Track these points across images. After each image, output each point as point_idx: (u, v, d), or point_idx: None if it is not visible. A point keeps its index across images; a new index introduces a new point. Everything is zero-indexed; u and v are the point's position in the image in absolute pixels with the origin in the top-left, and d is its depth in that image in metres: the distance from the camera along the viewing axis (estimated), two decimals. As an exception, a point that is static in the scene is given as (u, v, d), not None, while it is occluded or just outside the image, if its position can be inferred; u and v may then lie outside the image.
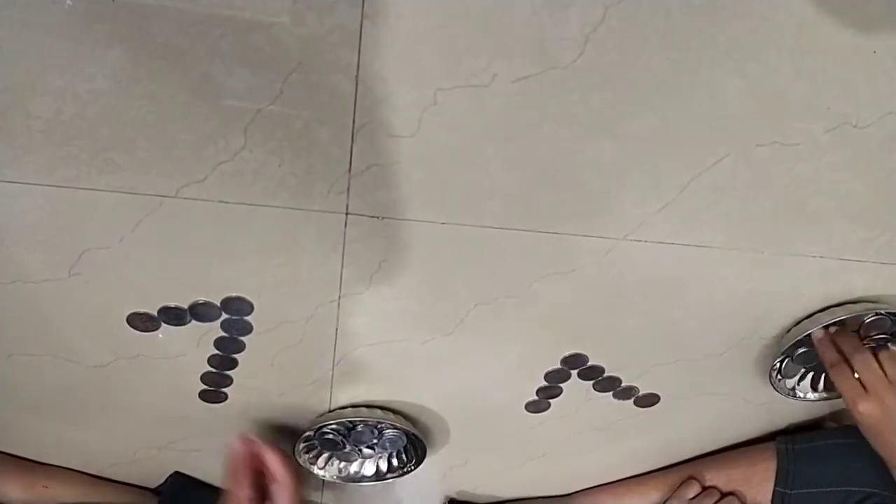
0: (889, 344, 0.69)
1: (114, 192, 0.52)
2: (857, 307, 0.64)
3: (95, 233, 0.54)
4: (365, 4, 0.44)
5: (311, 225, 0.55)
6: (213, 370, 0.66)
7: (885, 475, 0.69)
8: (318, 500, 0.88)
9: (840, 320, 0.64)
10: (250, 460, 0.66)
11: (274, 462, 0.65)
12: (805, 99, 0.50)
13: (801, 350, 0.69)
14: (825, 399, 0.74)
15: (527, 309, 0.63)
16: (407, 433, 0.73)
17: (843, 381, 0.65)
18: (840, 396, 0.73)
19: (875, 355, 0.65)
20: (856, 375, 0.65)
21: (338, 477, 0.78)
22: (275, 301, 0.60)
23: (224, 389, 0.69)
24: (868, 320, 0.65)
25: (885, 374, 0.64)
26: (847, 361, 0.65)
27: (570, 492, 0.89)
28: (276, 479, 0.65)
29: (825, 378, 0.73)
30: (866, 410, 0.63)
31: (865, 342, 0.67)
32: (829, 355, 0.67)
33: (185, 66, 0.46)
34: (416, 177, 0.53)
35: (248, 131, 0.49)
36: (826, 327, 0.66)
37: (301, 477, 0.68)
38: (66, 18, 0.43)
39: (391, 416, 0.72)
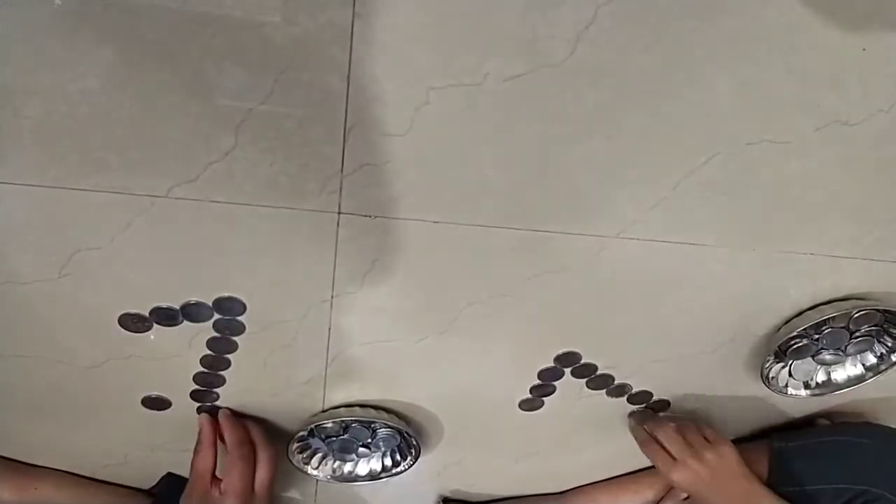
0: (880, 342, 0.70)
1: (104, 192, 0.51)
2: (847, 304, 0.64)
3: (86, 233, 0.54)
4: (356, 3, 0.44)
5: (304, 224, 0.55)
6: (206, 370, 0.66)
7: (879, 472, 0.69)
8: (313, 500, 0.88)
9: (829, 317, 0.65)
10: (215, 432, 0.69)
11: (255, 431, 0.69)
12: (795, 97, 0.51)
13: (792, 347, 0.69)
14: (817, 396, 0.74)
15: (520, 307, 0.63)
16: (401, 432, 0.73)
17: (655, 457, 0.72)
18: (832, 392, 0.74)
19: (677, 428, 0.72)
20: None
21: (332, 477, 0.78)
22: (267, 301, 0.60)
23: (217, 390, 0.69)
24: (857, 315, 0.66)
25: (686, 441, 0.71)
26: (653, 436, 0.73)
27: (564, 489, 0.89)
28: (257, 445, 0.69)
29: (816, 375, 0.74)
30: (680, 478, 0.70)
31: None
32: (639, 436, 0.75)
33: (176, 66, 0.46)
34: (408, 176, 0.53)
35: (240, 131, 0.49)
36: (818, 327, 0.67)
37: (277, 456, 0.70)
38: (56, 18, 0.43)
39: (385, 415, 0.72)
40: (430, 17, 0.45)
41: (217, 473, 0.69)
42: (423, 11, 0.45)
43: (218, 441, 0.70)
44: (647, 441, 0.74)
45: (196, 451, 0.69)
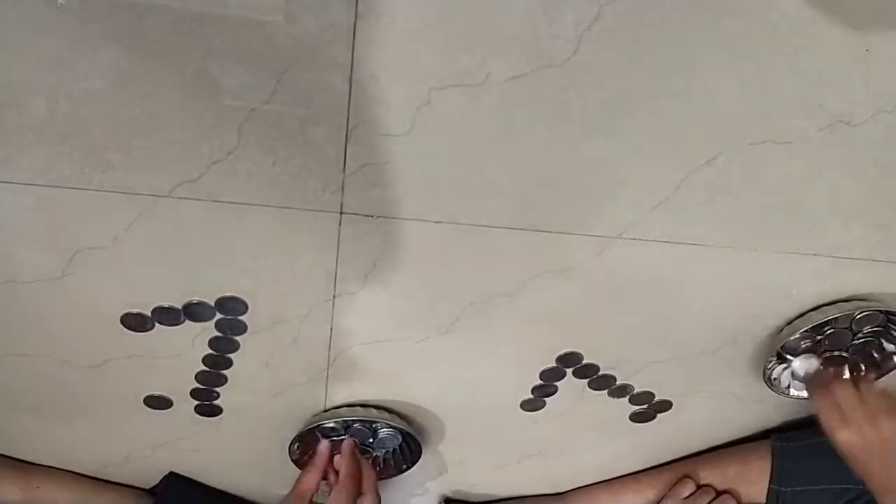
0: (883, 342, 0.69)
1: (107, 191, 0.51)
2: (849, 305, 0.64)
3: (89, 233, 0.54)
4: (359, 3, 0.44)
5: (306, 224, 0.55)
6: (208, 370, 0.66)
7: None
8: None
9: (832, 318, 0.64)
10: (330, 460, 0.73)
11: (369, 477, 0.72)
12: (798, 97, 0.51)
13: (795, 348, 0.69)
14: (819, 397, 0.74)
15: (521, 307, 0.63)
16: (402, 432, 0.73)
17: (824, 412, 0.67)
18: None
19: (856, 385, 0.66)
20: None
21: (333, 476, 0.78)
22: (269, 300, 0.60)
23: (218, 389, 0.69)
24: (859, 316, 0.65)
25: (865, 404, 0.65)
26: (829, 388, 0.67)
27: (565, 490, 0.89)
28: (366, 492, 0.71)
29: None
30: (844, 439, 0.65)
31: (847, 353, 0.69)
32: (812, 386, 0.69)
33: (179, 65, 0.46)
34: (410, 176, 0.53)
35: (242, 130, 0.49)
36: (821, 328, 0.67)
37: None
38: (60, 17, 0.43)
39: (386, 414, 0.72)
40: (432, 17, 0.45)
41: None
42: (425, 11, 0.45)
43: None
44: (822, 393, 0.68)
45: (305, 471, 0.72)
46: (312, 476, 0.72)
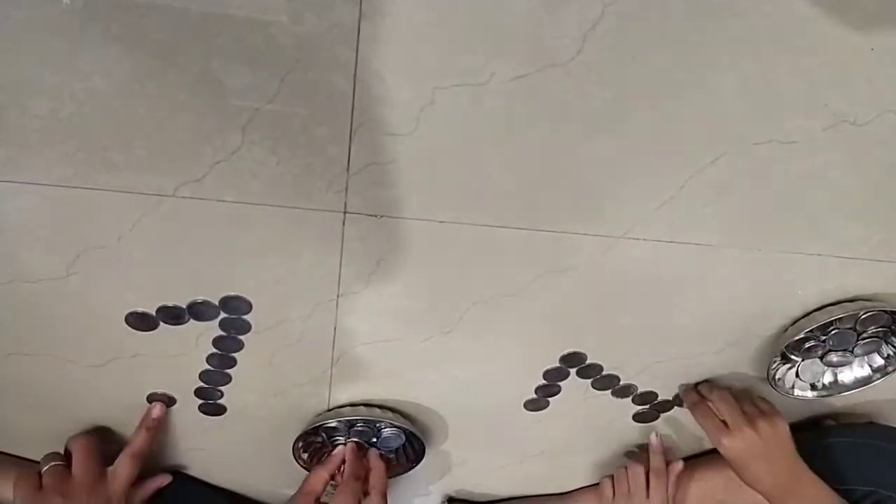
0: (888, 342, 0.69)
1: (111, 191, 0.52)
2: (853, 305, 0.64)
3: (93, 232, 0.54)
4: (363, 3, 0.44)
5: (310, 224, 0.55)
6: (212, 369, 0.66)
7: (887, 473, 0.69)
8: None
9: (836, 318, 0.64)
10: (341, 462, 0.73)
11: (379, 481, 0.72)
12: (802, 97, 0.50)
13: (799, 348, 0.69)
14: (824, 397, 0.74)
15: (525, 307, 0.63)
16: (405, 431, 0.73)
17: (706, 421, 0.70)
18: (839, 393, 0.73)
19: (731, 394, 0.70)
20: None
21: (337, 475, 0.78)
22: (273, 300, 0.60)
23: (222, 388, 0.69)
24: (864, 316, 0.65)
25: (743, 409, 0.69)
26: (707, 401, 0.71)
27: (568, 489, 0.89)
28: (373, 495, 0.71)
29: (823, 377, 0.73)
30: (729, 445, 0.68)
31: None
32: (689, 398, 0.73)
33: (183, 65, 0.46)
34: (414, 175, 0.53)
35: (246, 130, 0.49)
36: (825, 328, 0.67)
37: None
38: (63, 17, 0.43)
39: (390, 414, 0.72)
40: (436, 16, 0.45)
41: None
42: (429, 11, 0.45)
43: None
44: (699, 404, 0.71)
45: (314, 471, 0.72)
46: (320, 476, 0.72)
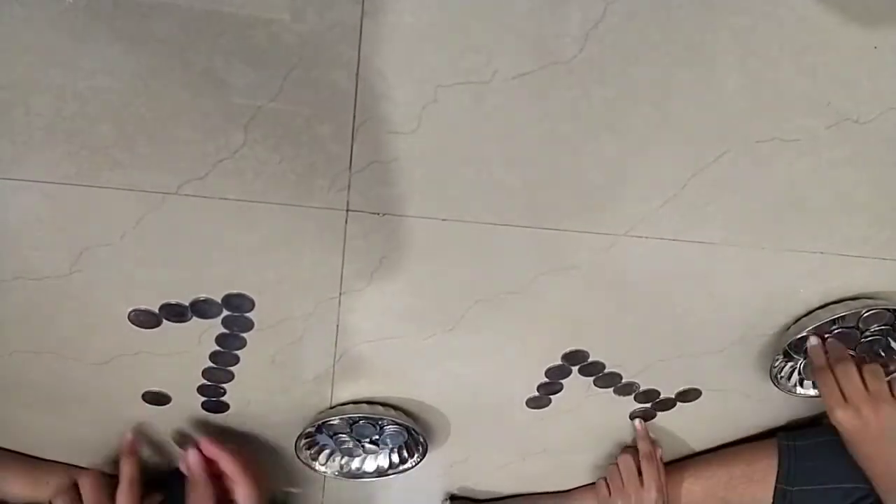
0: (891, 341, 0.69)
1: (115, 189, 0.52)
2: (856, 304, 0.64)
3: (96, 230, 0.54)
4: (365, 1, 0.44)
5: (312, 222, 0.55)
6: (215, 367, 0.67)
7: None
8: (320, 497, 0.88)
9: (839, 317, 0.64)
10: (203, 463, 0.68)
11: (229, 467, 0.68)
12: (806, 94, 0.50)
13: (801, 347, 0.69)
14: (826, 395, 0.74)
15: (527, 305, 0.63)
16: (408, 429, 0.73)
17: (824, 388, 0.67)
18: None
19: (859, 367, 0.66)
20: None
21: (339, 473, 0.79)
22: (276, 298, 0.60)
23: (224, 385, 0.69)
24: (866, 314, 0.65)
25: (866, 387, 0.65)
26: (832, 369, 0.67)
27: (570, 487, 0.89)
28: (235, 481, 0.68)
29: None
30: (843, 419, 0.65)
31: (855, 351, 0.69)
32: (816, 361, 0.68)
33: (186, 63, 0.46)
34: (416, 173, 0.53)
35: (249, 128, 0.49)
36: (821, 333, 0.67)
37: (258, 472, 0.70)
38: (67, 15, 0.43)
39: (392, 412, 0.72)
40: (439, 14, 0.45)
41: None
42: (432, 9, 0.45)
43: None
44: (823, 370, 0.67)
45: (194, 482, 0.69)
46: (204, 490, 0.68)
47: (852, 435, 0.66)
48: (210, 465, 0.69)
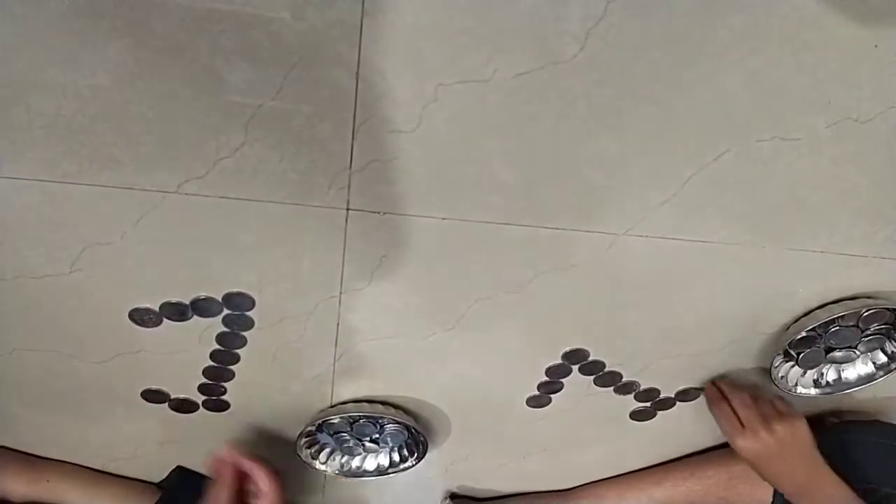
0: (891, 340, 0.69)
1: (115, 187, 0.52)
2: (856, 303, 0.64)
3: (97, 228, 0.54)
4: (365, 0, 0.44)
5: (312, 220, 0.55)
6: (215, 365, 0.67)
7: (889, 470, 0.69)
8: (320, 495, 0.88)
9: (839, 316, 0.64)
10: (235, 469, 0.68)
11: (261, 478, 0.67)
12: (806, 93, 0.50)
13: (801, 346, 0.69)
14: (827, 395, 0.74)
15: (528, 304, 0.63)
16: (408, 428, 0.74)
17: (723, 419, 0.70)
18: (842, 391, 0.73)
19: (751, 395, 0.70)
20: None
21: (340, 472, 0.79)
22: (276, 296, 0.60)
23: (225, 384, 0.69)
24: (866, 313, 0.65)
25: (759, 410, 0.68)
26: (727, 400, 0.70)
27: (571, 486, 0.89)
28: (261, 491, 0.67)
29: (826, 374, 0.73)
30: (744, 445, 0.68)
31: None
32: (710, 393, 0.73)
33: (186, 62, 0.46)
34: (416, 172, 0.53)
35: (249, 127, 0.49)
36: (827, 325, 0.67)
37: (283, 489, 0.69)
38: (67, 14, 0.43)
39: (392, 410, 0.72)
40: (439, 13, 0.45)
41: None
42: (432, 8, 0.45)
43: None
44: (718, 401, 0.71)
45: (217, 484, 0.69)
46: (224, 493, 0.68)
47: (757, 459, 0.68)
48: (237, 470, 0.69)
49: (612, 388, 0.73)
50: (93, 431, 0.75)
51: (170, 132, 0.49)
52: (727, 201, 0.56)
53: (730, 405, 0.70)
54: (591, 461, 0.85)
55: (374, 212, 0.55)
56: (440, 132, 0.50)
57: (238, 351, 0.65)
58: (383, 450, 0.78)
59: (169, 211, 0.53)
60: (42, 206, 0.53)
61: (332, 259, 0.58)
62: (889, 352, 0.71)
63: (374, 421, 0.73)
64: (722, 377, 0.73)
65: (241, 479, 0.69)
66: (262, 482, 0.67)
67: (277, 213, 0.54)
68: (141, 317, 0.61)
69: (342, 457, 0.78)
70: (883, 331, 0.68)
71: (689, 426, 0.81)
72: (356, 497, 0.89)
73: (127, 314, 0.61)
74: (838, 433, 0.76)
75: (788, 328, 0.67)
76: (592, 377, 0.72)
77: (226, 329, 0.63)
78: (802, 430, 0.68)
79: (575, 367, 0.70)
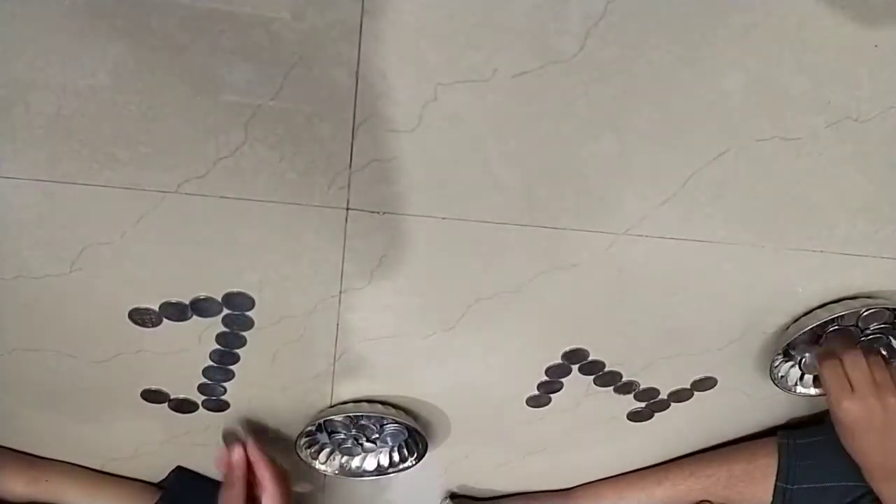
0: (891, 340, 0.69)
1: (115, 187, 0.52)
2: (856, 303, 0.64)
3: (96, 228, 0.54)
4: (365, 0, 0.44)
5: (312, 220, 0.55)
6: (215, 365, 0.67)
7: None
8: (320, 495, 0.88)
9: (838, 316, 0.64)
10: (245, 465, 0.68)
11: (264, 474, 0.68)
12: (806, 93, 0.50)
13: (801, 346, 0.69)
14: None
15: (527, 304, 0.63)
16: (408, 428, 0.73)
17: (832, 376, 0.65)
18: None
19: (866, 357, 0.65)
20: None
21: (339, 472, 0.79)
22: (276, 296, 0.60)
23: (225, 384, 0.69)
24: (866, 313, 0.65)
25: (873, 377, 0.64)
26: (839, 359, 0.65)
27: (571, 486, 0.89)
28: (265, 488, 0.68)
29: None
30: (850, 408, 0.63)
31: (860, 343, 0.68)
32: (822, 351, 0.67)
33: (186, 62, 0.46)
34: (416, 172, 0.53)
35: (249, 126, 0.49)
36: (827, 326, 0.66)
37: (289, 485, 0.70)
38: (67, 13, 0.43)
39: (392, 410, 0.72)
40: (439, 13, 0.45)
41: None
42: (432, 7, 0.45)
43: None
44: (829, 359, 0.66)
45: (228, 481, 0.69)
46: (236, 490, 0.69)
47: (855, 425, 0.64)
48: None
49: (611, 387, 0.73)
50: (92, 431, 0.75)
51: (170, 132, 0.49)
52: (727, 201, 0.56)
53: (842, 366, 0.65)
54: (591, 461, 0.85)
55: (373, 211, 0.55)
56: (440, 132, 0.50)
57: (238, 351, 0.65)
58: (383, 450, 0.78)
59: (169, 211, 0.53)
60: (42, 205, 0.53)
61: (331, 259, 0.58)
62: (890, 351, 0.71)
63: (374, 421, 0.73)
64: (721, 377, 0.73)
65: (252, 474, 0.69)
66: (266, 479, 0.68)
67: (277, 212, 0.54)
68: (141, 317, 0.61)
69: (342, 457, 0.78)
70: (882, 331, 0.68)
71: (689, 426, 0.81)
72: (356, 497, 0.89)
73: (127, 314, 0.61)
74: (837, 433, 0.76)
75: (788, 328, 0.67)
76: (592, 377, 0.72)
77: (225, 329, 0.63)
78: None
79: (575, 367, 0.70)
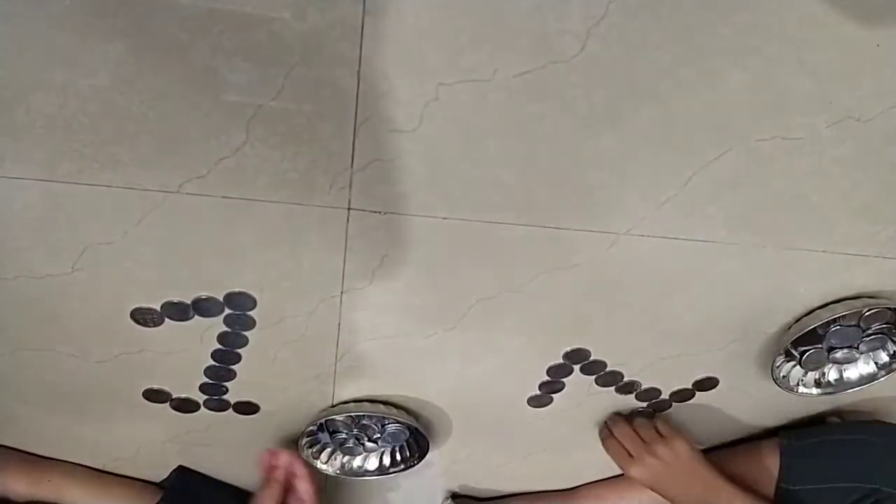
0: (892, 340, 0.69)
1: (116, 187, 0.52)
2: (857, 303, 0.64)
3: (98, 228, 0.55)
4: (366, 0, 0.44)
5: (314, 220, 0.55)
6: (217, 365, 0.67)
7: (890, 470, 0.69)
8: (322, 495, 0.88)
9: (840, 316, 0.64)
10: (285, 471, 0.71)
11: (307, 488, 0.71)
12: (807, 92, 0.50)
13: (802, 346, 0.69)
14: (828, 394, 0.74)
15: (529, 304, 0.63)
16: (410, 427, 0.74)
17: (613, 454, 0.74)
18: (844, 390, 0.73)
19: (630, 424, 0.73)
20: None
21: (341, 471, 0.79)
22: (277, 296, 0.61)
23: (227, 384, 0.69)
24: (867, 313, 0.65)
25: (640, 437, 0.72)
26: (613, 435, 0.74)
27: (572, 486, 0.89)
28: (303, 502, 0.71)
29: (828, 374, 0.73)
30: (636, 474, 0.72)
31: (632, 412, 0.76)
32: (601, 433, 0.77)
33: (187, 62, 0.46)
34: (417, 172, 0.53)
35: (250, 126, 0.49)
36: (829, 325, 0.66)
37: (322, 492, 0.74)
38: (68, 13, 0.43)
39: (394, 410, 0.72)
40: (440, 13, 0.45)
41: None
42: (433, 7, 0.45)
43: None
44: (608, 438, 0.75)
45: (267, 486, 0.72)
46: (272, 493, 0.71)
47: (651, 483, 0.71)
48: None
49: (613, 387, 0.73)
50: (94, 431, 0.75)
51: (171, 132, 0.49)
52: (728, 201, 0.56)
53: (616, 439, 0.74)
54: (593, 461, 0.85)
55: (375, 211, 0.55)
56: (441, 131, 0.50)
57: (239, 350, 0.65)
58: (384, 449, 0.78)
59: (170, 211, 0.53)
60: (43, 205, 0.53)
61: (333, 259, 0.58)
62: (890, 351, 0.71)
63: (376, 421, 0.73)
64: (722, 377, 0.73)
65: (289, 480, 0.72)
66: (304, 489, 0.71)
67: (279, 212, 0.54)
68: (143, 316, 0.61)
69: (343, 456, 0.78)
70: (884, 330, 0.68)
71: (690, 426, 0.81)
72: (358, 496, 0.89)
73: (129, 314, 0.61)
74: (839, 433, 0.76)
75: (790, 328, 0.67)
76: (594, 377, 0.72)
77: (227, 329, 0.63)
78: (683, 448, 0.71)
79: (576, 367, 0.70)
